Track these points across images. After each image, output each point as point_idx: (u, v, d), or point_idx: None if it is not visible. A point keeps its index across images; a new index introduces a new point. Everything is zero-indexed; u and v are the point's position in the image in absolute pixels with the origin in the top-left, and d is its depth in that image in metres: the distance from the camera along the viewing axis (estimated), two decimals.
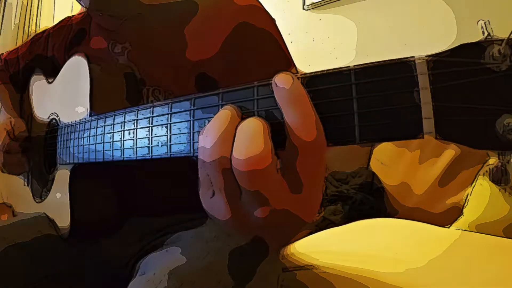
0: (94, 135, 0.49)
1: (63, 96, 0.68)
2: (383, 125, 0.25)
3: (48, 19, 2.78)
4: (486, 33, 0.23)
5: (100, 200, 0.61)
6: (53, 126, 0.69)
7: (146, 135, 0.38)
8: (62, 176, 0.60)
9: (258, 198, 0.28)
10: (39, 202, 0.71)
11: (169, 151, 0.35)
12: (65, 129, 0.60)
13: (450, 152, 1.19)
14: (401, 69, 0.24)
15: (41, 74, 0.79)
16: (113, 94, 0.59)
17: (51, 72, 0.75)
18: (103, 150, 0.47)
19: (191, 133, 0.33)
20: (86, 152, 0.51)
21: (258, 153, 0.26)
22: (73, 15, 0.80)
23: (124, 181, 0.60)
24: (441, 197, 1.18)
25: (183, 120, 0.34)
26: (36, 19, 2.84)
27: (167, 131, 0.36)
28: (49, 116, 0.71)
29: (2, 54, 0.89)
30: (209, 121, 0.30)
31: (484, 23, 0.23)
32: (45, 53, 0.79)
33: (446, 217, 1.13)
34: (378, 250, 0.86)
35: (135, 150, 0.40)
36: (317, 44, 1.81)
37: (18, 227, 0.63)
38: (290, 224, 0.32)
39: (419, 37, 1.45)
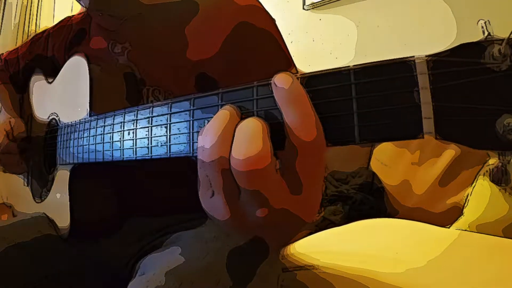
0: (94, 135, 0.49)
1: (63, 96, 0.68)
2: (383, 125, 0.25)
3: (48, 19, 2.78)
4: (486, 33, 0.23)
5: (100, 200, 0.61)
6: (53, 126, 0.69)
7: (146, 135, 0.38)
8: (62, 176, 0.60)
9: (257, 198, 0.28)
10: (39, 202, 0.71)
11: (168, 151, 0.35)
12: (65, 129, 0.60)
13: (450, 152, 1.19)
14: (401, 69, 0.24)
15: (41, 74, 0.79)
16: (113, 94, 0.59)
17: (51, 72, 0.75)
18: (103, 150, 0.47)
19: (191, 133, 0.33)
20: (86, 152, 0.51)
21: (256, 153, 0.26)
22: (73, 15, 0.80)
23: (123, 181, 0.60)
24: (442, 197, 1.18)
25: (183, 120, 0.34)
26: (36, 19, 2.84)
27: (166, 131, 0.36)
28: (49, 116, 0.71)
29: (2, 54, 0.89)
30: (208, 121, 0.30)
31: (484, 22, 0.23)
32: (45, 53, 0.79)
33: (447, 217, 1.13)
34: (378, 250, 0.86)
35: (134, 150, 0.40)
36: (317, 44, 1.81)
37: (18, 227, 0.63)
38: (289, 224, 0.31)
39: (419, 37, 1.45)
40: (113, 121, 0.45)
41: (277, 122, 0.28)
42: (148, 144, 0.38)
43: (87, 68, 0.58)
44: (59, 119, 0.66)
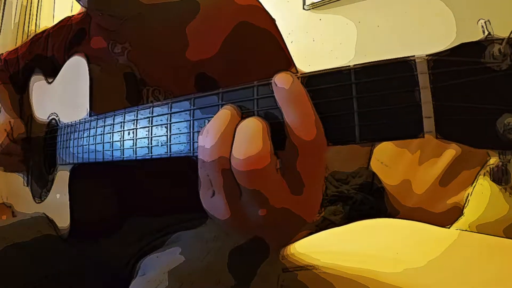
0: (94, 135, 0.49)
1: (62, 96, 0.68)
2: (383, 124, 0.25)
3: (48, 19, 2.78)
4: (486, 32, 0.23)
5: (100, 200, 0.61)
6: (52, 126, 0.69)
7: (146, 135, 0.38)
8: (62, 176, 0.60)
9: (258, 197, 0.28)
10: (39, 203, 0.71)
11: (169, 151, 0.35)
12: (65, 129, 0.60)
13: (450, 151, 1.19)
14: (401, 68, 0.24)
15: (40, 74, 0.79)
16: (113, 94, 0.59)
17: (51, 72, 0.75)
18: (103, 150, 0.47)
19: (191, 133, 0.33)
20: (86, 152, 0.51)
21: (257, 153, 0.26)
22: (72, 15, 0.80)
23: (124, 181, 0.60)
24: (442, 197, 1.18)
25: (183, 120, 0.34)
26: (36, 19, 2.84)
27: (167, 131, 0.36)
28: (49, 116, 0.71)
29: (2, 54, 0.89)
30: (208, 121, 0.30)
31: (485, 22, 0.23)
32: (44, 53, 0.79)
33: (447, 217, 1.13)
34: (378, 250, 0.86)
35: (134, 150, 0.40)
36: (317, 44, 1.81)
37: (18, 227, 0.63)
38: (290, 224, 0.31)
39: (419, 36, 1.45)
40: (113, 121, 0.45)
41: (278, 122, 0.28)
42: (148, 144, 0.38)
43: (87, 68, 0.58)
44: (59, 119, 0.66)
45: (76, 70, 0.62)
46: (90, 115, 0.54)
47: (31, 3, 2.85)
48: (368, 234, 1.02)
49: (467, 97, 0.23)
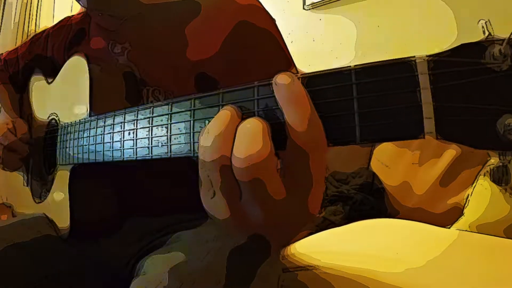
0: (94, 135, 0.49)
1: (62, 96, 0.68)
2: (383, 125, 0.25)
3: (47, 19, 2.78)
4: (486, 33, 0.23)
5: (100, 200, 0.61)
6: (52, 127, 0.69)
7: (146, 135, 0.38)
8: (62, 176, 0.60)
9: (258, 195, 0.28)
10: (38, 203, 0.71)
11: (169, 151, 0.35)
12: (65, 129, 0.60)
13: (451, 152, 1.19)
14: (401, 69, 0.24)
15: (40, 74, 0.79)
16: (113, 94, 0.59)
17: (51, 72, 0.75)
18: (103, 151, 0.47)
19: (191, 133, 0.33)
20: (86, 152, 0.51)
21: (257, 152, 0.26)
22: (72, 15, 0.80)
23: (124, 181, 0.60)
24: (442, 197, 1.18)
25: (183, 120, 0.34)
26: (36, 19, 2.84)
27: (167, 131, 0.36)
28: (49, 117, 0.71)
29: (2, 54, 0.89)
30: (209, 121, 0.30)
31: (485, 22, 0.23)
32: (44, 53, 0.79)
33: (447, 217, 1.13)
34: (378, 250, 0.85)
35: (135, 150, 0.40)
36: (317, 44, 1.81)
37: (18, 228, 0.63)
38: (290, 224, 0.32)
39: (419, 37, 1.45)
40: (113, 121, 0.45)
41: (278, 122, 0.28)
42: (148, 144, 0.38)
43: (87, 68, 0.58)
44: (59, 119, 0.66)
45: (76, 70, 0.62)
46: (90, 115, 0.53)
47: (31, 3, 2.86)
48: (368, 234, 1.02)
49: (468, 98, 0.23)
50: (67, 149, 0.58)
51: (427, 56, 0.24)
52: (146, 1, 0.67)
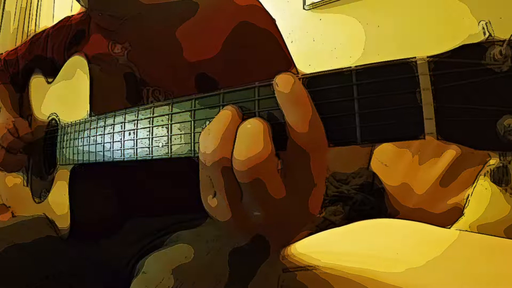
0: (94, 135, 0.49)
1: (62, 96, 0.68)
2: (384, 125, 0.25)
3: (47, 19, 2.78)
4: (487, 34, 0.23)
5: (100, 201, 0.61)
6: (52, 126, 0.69)
7: (147, 135, 0.38)
8: (62, 176, 0.60)
9: (258, 195, 0.28)
10: (38, 203, 0.71)
11: (169, 152, 0.35)
12: (65, 129, 0.60)
13: (451, 152, 1.19)
14: (402, 69, 0.24)
15: (40, 74, 0.79)
16: (113, 94, 0.59)
17: (51, 72, 0.75)
18: (103, 151, 0.47)
19: (192, 133, 0.33)
20: (86, 152, 0.51)
21: (258, 153, 0.26)
22: (72, 15, 0.80)
23: (124, 181, 0.60)
24: (442, 197, 1.18)
25: (184, 120, 0.34)
26: (36, 19, 2.84)
27: (167, 132, 0.36)
28: (49, 116, 0.71)
29: (1, 54, 0.89)
30: (210, 121, 0.30)
31: (485, 23, 0.23)
32: (44, 53, 0.79)
33: (447, 218, 1.13)
34: (378, 251, 0.86)
35: (135, 150, 0.40)
36: (317, 44, 1.81)
37: (18, 228, 0.63)
38: (290, 224, 0.32)
39: (420, 37, 1.45)
40: (114, 121, 0.45)
41: (279, 123, 0.28)
42: (149, 145, 0.38)
43: (87, 68, 0.58)
44: (59, 119, 0.66)
45: (76, 70, 0.62)
46: (90, 115, 0.53)
47: (30, 3, 2.86)
48: (368, 235, 1.02)
49: (468, 99, 0.23)
50: (67, 149, 0.58)
51: (427, 57, 0.24)
52: (146, 1, 0.67)
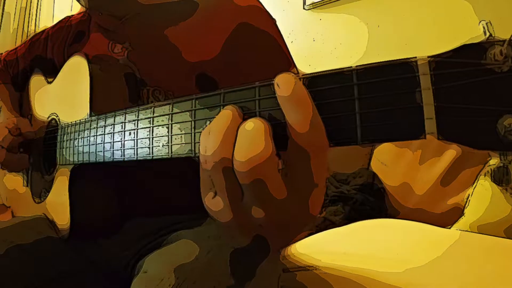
0: (94, 135, 0.49)
1: (62, 96, 0.68)
2: (384, 125, 0.25)
3: (47, 19, 2.78)
4: (487, 34, 0.23)
5: (100, 201, 0.61)
6: (52, 126, 0.69)
7: (147, 135, 0.38)
8: (62, 176, 0.60)
9: (259, 195, 0.28)
10: (38, 203, 0.71)
11: (170, 152, 0.35)
12: (65, 129, 0.60)
13: (451, 152, 1.19)
14: (403, 69, 0.24)
15: (40, 74, 0.79)
16: (113, 95, 0.59)
17: (51, 72, 0.75)
18: (103, 151, 0.47)
19: (193, 133, 0.33)
20: (86, 152, 0.51)
21: (259, 153, 0.26)
22: (72, 15, 0.80)
23: (124, 181, 0.60)
24: (443, 197, 1.18)
25: (185, 120, 0.34)
26: (36, 19, 2.84)
27: (168, 132, 0.36)
28: (49, 116, 0.71)
29: (1, 54, 0.89)
30: (210, 121, 0.30)
31: (486, 23, 0.23)
32: (44, 53, 0.79)
33: (448, 218, 1.13)
34: (378, 251, 0.86)
35: (135, 150, 0.40)
36: (317, 44, 1.81)
37: (19, 229, 0.63)
38: (291, 224, 0.32)
39: (420, 37, 1.45)
40: (114, 121, 0.45)
41: (280, 123, 0.28)
42: (149, 145, 0.38)
43: (87, 67, 0.58)
44: (59, 119, 0.66)
45: (76, 70, 0.62)
46: (90, 115, 0.53)
47: (30, 3, 2.85)
48: (369, 235, 1.02)
49: (468, 99, 0.23)
50: (67, 149, 0.58)
51: (428, 57, 0.24)
52: (146, 1, 0.67)
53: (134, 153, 0.40)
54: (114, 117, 0.45)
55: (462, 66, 0.23)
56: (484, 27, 0.23)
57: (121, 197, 0.61)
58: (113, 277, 0.61)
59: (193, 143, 0.33)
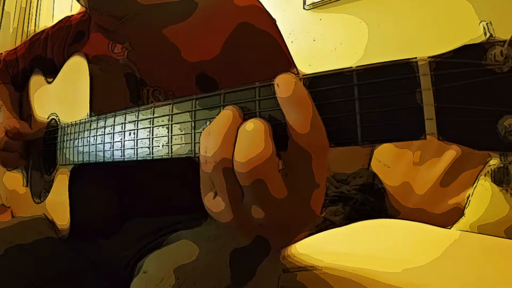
0: (94, 136, 0.49)
1: (62, 96, 0.68)
2: (385, 126, 0.25)
3: (47, 19, 2.78)
4: (488, 34, 0.23)
5: (100, 201, 0.61)
6: (52, 127, 0.69)
7: (147, 135, 0.38)
8: (62, 176, 0.60)
9: (259, 196, 0.28)
10: (38, 203, 0.71)
11: (170, 152, 0.35)
12: (65, 129, 0.60)
13: (451, 152, 1.19)
14: (403, 70, 0.24)
15: (40, 74, 0.79)
16: (113, 95, 0.59)
17: (51, 72, 0.75)
18: (103, 151, 0.47)
19: (193, 133, 0.33)
20: (86, 152, 0.51)
21: (259, 154, 0.26)
22: (72, 15, 0.80)
23: (124, 181, 0.60)
24: (443, 197, 1.18)
25: (185, 120, 0.34)
26: (35, 19, 2.84)
27: (168, 132, 0.35)
28: (49, 117, 0.71)
29: (1, 54, 0.89)
30: (210, 122, 0.30)
31: (486, 24, 0.23)
32: (44, 53, 0.79)
33: (448, 218, 1.13)
34: (378, 251, 0.86)
35: (135, 151, 0.40)
36: (317, 44, 1.81)
37: (19, 229, 0.63)
38: (291, 224, 0.31)
39: (420, 37, 1.45)
40: (114, 122, 0.45)
41: (280, 123, 0.28)
42: (149, 145, 0.38)
43: (87, 68, 0.58)
44: (58, 119, 0.66)
45: (76, 70, 0.62)
46: (90, 115, 0.53)
47: (30, 3, 2.85)
48: (369, 235, 1.02)
49: (469, 99, 0.23)
50: (67, 149, 0.58)
51: (428, 57, 0.24)
52: (146, 1, 0.67)
53: (134, 153, 0.40)
54: (114, 118, 0.45)
55: (463, 67, 0.23)
56: (484, 28, 0.23)
57: (121, 197, 0.61)
58: (113, 277, 0.61)
59: (193, 144, 0.33)
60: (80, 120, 0.55)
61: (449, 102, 0.23)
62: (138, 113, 0.40)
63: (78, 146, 0.54)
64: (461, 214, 1.12)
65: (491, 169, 1.02)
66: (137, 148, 0.40)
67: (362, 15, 1.64)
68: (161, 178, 0.61)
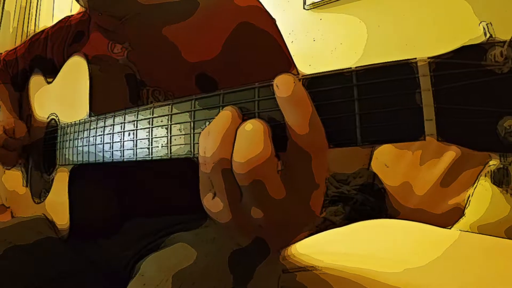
0: (93, 136, 0.49)
1: (62, 96, 0.68)
2: (384, 127, 0.25)
3: (47, 19, 2.78)
4: (488, 35, 0.23)
5: (100, 201, 0.61)
6: (52, 127, 0.69)
7: (146, 136, 0.38)
8: (62, 176, 0.60)
9: (258, 196, 0.28)
10: (38, 203, 0.71)
11: (169, 152, 0.35)
12: (65, 129, 0.60)
13: (451, 153, 1.19)
14: (402, 70, 0.24)
15: (40, 74, 0.79)
16: (112, 95, 0.59)
17: (50, 72, 0.75)
18: (103, 151, 0.47)
19: (192, 134, 0.33)
20: (86, 152, 0.51)
21: (258, 154, 0.26)
22: (72, 15, 0.80)
23: (124, 182, 0.60)
24: (443, 197, 1.18)
25: (184, 121, 0.34)
26: (35, 19, 2.84)
27: (167, 132, 0.35)
28: (49, 117, 0.71)
29: (1, 54, 0.89)
30: (210, 122, 0.30)
31: (486, 24, 0.23)
32: (44, 53, 0.79)
33: (448, 218, 1.13)
34: (378, 251, 0.85)
35: (135, 151, 0.40)
36: (317, 44, 1.81)
37: (18, 229, 0.63)
38: (290, 224, 0.31)
39: (420, 37, 1.45)
40: (113, 122, 0.45)
41: (279, 124, 0.28)
42: (148, 145, 0.38)
43: (87, 68, 0.58)
44: (58, 119, 0.66)
45: (76, 70, 0.62)
46: (90, 116, 0.53)
47: (30, 2, 2.85)
48: (369, 235, 1.02)
49: (468, 100, 0.23)
50: (67, 150, 0.58)
51: (428, 58, 0.24)
52: (146, 1, 0.67)
53: (133, 154, 0.40)
54: (114, 118, 0.45)
55: (462, 67, 0.23)
56: (484, 28, 0.23)
57: (121, 197, 0.61)
58: (113, 277, 0.61)
59: (192, 144, 0.33)
60: (79, 120, 0.55)
61: (449, 103, 0.23)
62: (138, 113, 0.40)
63: (77, 146, 0.54)
64: (461, 214, 1.12)
65: (491, 170, 1.02)
66: (136, 149, 0.40)
67: (362, 15, 1.64)
68: (161, 178, 0.61)
